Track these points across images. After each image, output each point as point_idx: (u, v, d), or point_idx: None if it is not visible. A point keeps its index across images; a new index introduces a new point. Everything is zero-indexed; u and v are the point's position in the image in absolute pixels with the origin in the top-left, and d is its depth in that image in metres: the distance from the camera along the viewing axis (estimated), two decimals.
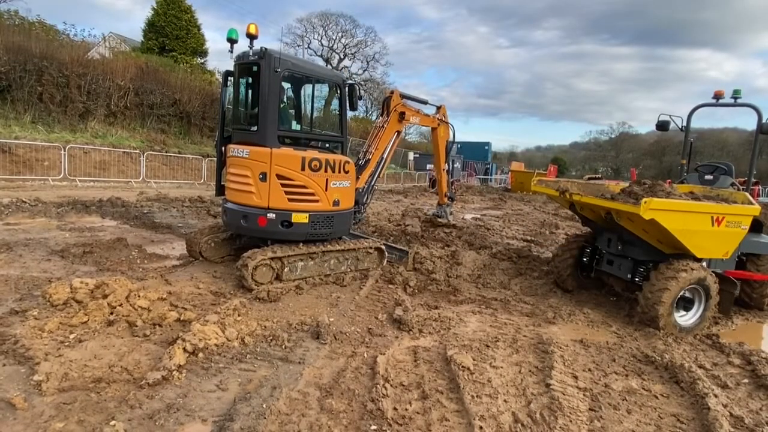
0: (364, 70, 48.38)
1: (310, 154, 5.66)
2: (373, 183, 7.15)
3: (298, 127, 6.54)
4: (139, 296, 4.42)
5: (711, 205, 5.08)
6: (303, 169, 5.55)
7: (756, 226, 5.93)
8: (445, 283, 6.38)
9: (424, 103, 8.14)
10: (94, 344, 3.70)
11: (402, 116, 7.21)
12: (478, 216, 14.91)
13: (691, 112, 7.11)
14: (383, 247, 6.73)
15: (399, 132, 7.36)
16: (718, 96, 6.66)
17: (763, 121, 6.22)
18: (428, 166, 35.31)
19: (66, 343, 3.66)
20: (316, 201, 5.73)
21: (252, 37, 5.56)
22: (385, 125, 7.05)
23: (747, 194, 5.69)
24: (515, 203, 21.18)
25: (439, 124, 8.24)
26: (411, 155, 39.10)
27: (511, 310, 5.58)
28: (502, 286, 6.57)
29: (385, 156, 7.19)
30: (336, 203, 5.92)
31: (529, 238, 10.96)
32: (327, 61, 46.92)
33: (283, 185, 5.50)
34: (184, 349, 3.58)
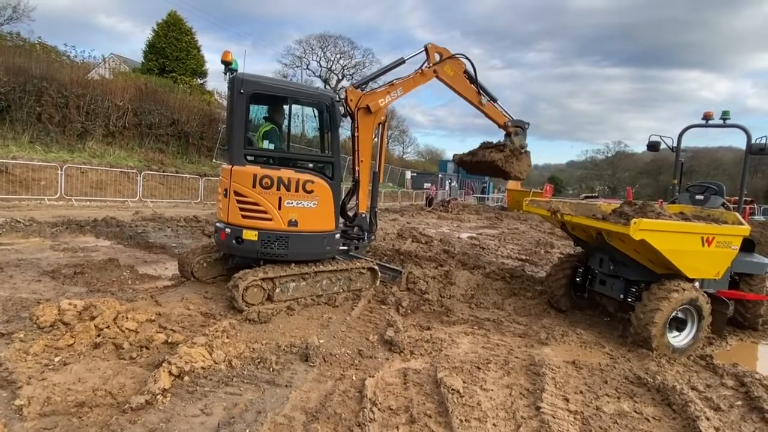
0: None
1: (264, 171, 5.54)
2: (374, 204, 6.78)
3: (272, 147, 6.23)
4: (127, 318, 4.38)
5: (700, 226, 5.09)
6: (254, 186, 5.53)
7: (748, 246, 5.95)
8: (438, 303, 6.33)
9: (400, 63, 6.53)
10: (79, 367, 3.65)
11: (369, 109, 6.25)
12: (474, 235, 14.91)
13: (681, 132, 7.19)
14: (376, 267, 6.70)
15: (381, 124, 6.58)
16: (707, 117, 6.75)
17: (752, 142, 6.30)
18: (425, 185, 35.51)
19: (50, 366, 3.61)
20: (268, 219, 5.60)
21: (227, 64, 5.64)
22: (357, 132, 6.27)
23: (737, 214, 5.71)
24: (511, 222, 21.20)
25: (436, 71, 6.56)
26: (408, 174, 39.39)
27: (503, 330, 5.53)
28: (496, 306, 6.52)
29: (375, 169, 6.80)
30: (293, 223, 5.69)
31: (524, 257, 10.94)
32: (326, 81, 47.53)
33: (238, 201, 5.59)
34: (170, 372, 3.54)
